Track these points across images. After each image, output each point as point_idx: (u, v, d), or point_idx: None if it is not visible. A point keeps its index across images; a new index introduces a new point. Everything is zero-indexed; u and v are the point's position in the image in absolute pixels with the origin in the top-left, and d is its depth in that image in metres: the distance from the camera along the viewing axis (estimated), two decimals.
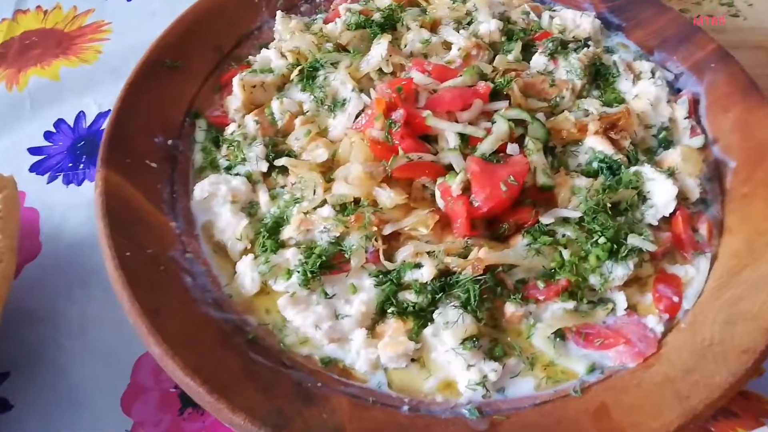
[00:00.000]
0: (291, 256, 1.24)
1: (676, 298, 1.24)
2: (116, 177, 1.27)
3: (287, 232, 1.27)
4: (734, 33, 1.89)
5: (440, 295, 1.19)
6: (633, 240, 1.23)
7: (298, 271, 1.20)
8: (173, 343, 1.06)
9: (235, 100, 1.49)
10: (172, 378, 1.07)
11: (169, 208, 1.31)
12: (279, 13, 1.64)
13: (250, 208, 1.35)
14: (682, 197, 1.34)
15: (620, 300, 1.23)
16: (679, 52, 1.60)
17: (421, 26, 1.60)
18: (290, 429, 1.00)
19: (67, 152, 1.63)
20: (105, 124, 1.36)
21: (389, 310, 1.18)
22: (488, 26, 1.60)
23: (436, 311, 1.18)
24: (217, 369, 1.06)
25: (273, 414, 1.01)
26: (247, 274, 1.23)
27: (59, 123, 1.69)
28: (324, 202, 1.29)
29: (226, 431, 1.17)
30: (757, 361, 1.09)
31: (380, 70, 1.48)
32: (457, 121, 1.35)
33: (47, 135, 1.66)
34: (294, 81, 1.51)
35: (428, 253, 1.22)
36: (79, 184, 1.56)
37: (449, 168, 1.30)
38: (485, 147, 1.31)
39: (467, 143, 1.32)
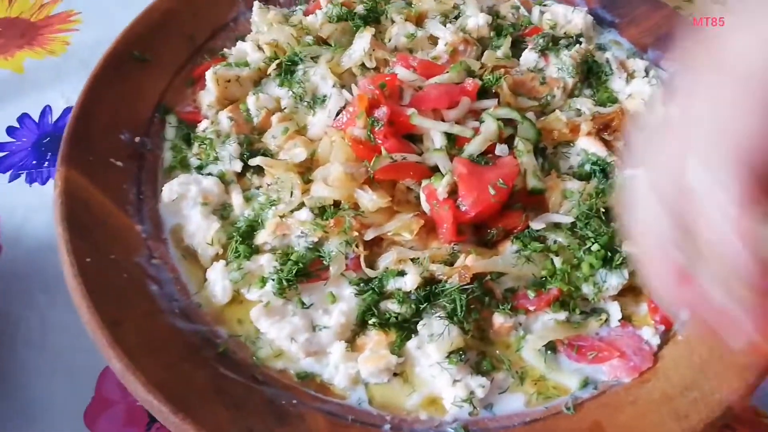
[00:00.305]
0: (265, 262, 1.18)
1: None
2: (78, 176, 1.20)
3: (262, 237, 1.21)
4: None
5: (425, 305, 1.14)
6: (628, 247, 1.18)
7: (273, 279, 1.14)
8: (135, 357, 0.99)
9: (208, 95, 1.43)
10: (133, 395, 1.01)
11: (135, 210, 1.24)
12: (256, 3, 1.58)
13: (222, 211, 1.29)
14: None
15: (614, 310, 1.18)
16: (674, 51, 1.56)
17: (407, 19, 1.55)
18: None
19: (31, 149, 1.55)
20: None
21: (370, 322, 1.13)
22: (476, 21, 1.56)
23: (420, 322, 1.12)
24: (183, 385, 1.00)
25: None
26: (219, 281, 1.17)
27: (23, 118, 1.61)
28: (302, 205, 1.24)
29: None
30: (758, 378, 1.04)
31: (363, 65, 1.43)
32: (443, 120, 1.30)
33: (10, 131, 1.59)
34: (271, 76, 1.45)
35: (412, 259, 1.17)
36: (44, 183, 1.49)
37: (435, 169, 1.25)
38: (473, 148, 1.26)
39: (454, 143, 1.28)
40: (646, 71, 1.53)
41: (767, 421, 1.19)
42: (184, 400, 0.97)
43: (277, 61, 1.45)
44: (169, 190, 1.27)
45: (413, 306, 1.13)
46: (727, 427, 1.16)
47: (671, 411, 1.02)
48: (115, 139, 1.31)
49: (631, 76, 1.52)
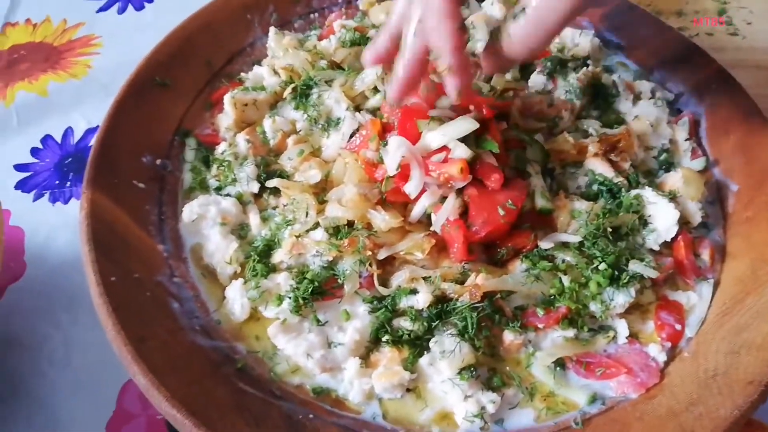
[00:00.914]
0: (282, 281, 1.20)
1: (678, 326, 1.21)
2: (102, 198, 1.23)
3: (278, 256, 1.24)
4: (733, 52, 1.87)
5: (436, 322, 1.16)
6: (634, 266, 1.20)
7: (290, 297, 1.17)
8: (159, 373, 1.02)
9: (226, 118, 1.47)
10: (157, 409, 1.04)
11: (157, 231, 1.28)
12: (272, 29, 1.62)
13: (240, 231, 1.32)
14: (683, 221, 1.31)
15: (621, 328, 1.20)
16: (679, 73, 1.59)
17: None
18: None
19: (54, 169, 1.60)
20: (92, 142, 1.33)
21: (384, 338, 1.15)
22: (485, 44, 1.57)
23: (432, 339, 1.15)
24: (204, 401, 1.03)
25: None
26: (237, 299, 1.20)
27: (46, 139, 1.66)
28: (317, 225, 1.26)
29: None
30: (762, 393, 1.06)
31: (375, 88, 1.45)
32: None
33: (34, 151, 1.64)
34: (287, 99, 1.48)
35: (424, 278, 1.19)
36: (66, 202, 1.53)
37: None
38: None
39: None
40: (652, 93, 1.56)
41: None
42: (206, 415, 1.00)
43: (292, 85, 1.48)
44: (189, 211, 1.30)
45: (425, 323, 1.15)
46: None
47: (677, 426, 1.04)
48: (138, 162, 1.35)
49: (637, 97, 1.54)
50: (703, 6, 2.01)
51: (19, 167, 1.60)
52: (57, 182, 1.57)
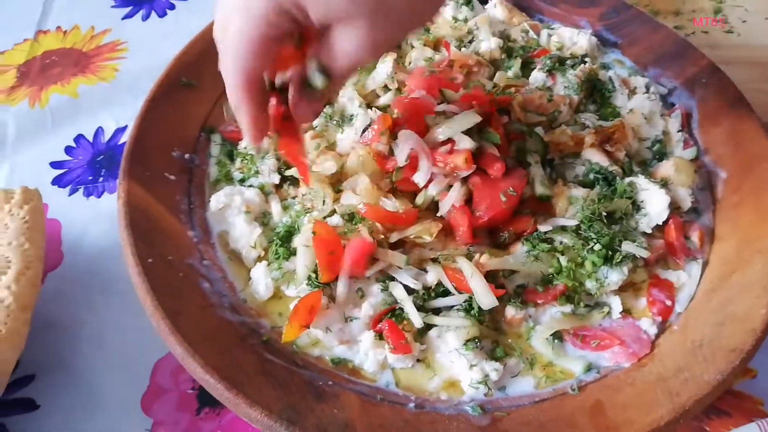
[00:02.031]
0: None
1: (669, 302, 1.29)
2: (137, 188, 1.33)
3: (298, 241, 1.31)
4: (729, 49, 1.94)
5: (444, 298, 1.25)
6: (627, 247, 1.28)
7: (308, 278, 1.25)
8: (193, 344, 1.12)
9: None
10: (192, 376, 1.13)
11: (187, 218, 1.37)
12: None
13: (263, 218, 1.40)
14: (675, 206, 1.39)
15: (615, 304, 1.28)
16: (673, 68, 1.66)
17: (425, 44, 1.66)
18: (303, 423, 1.05)
19: (87, 166, 1.69)
20: (125, 139, 1.41)
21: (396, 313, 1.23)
22: (489, 44, 1.66)
23: (440, 314, 1.23)
24: (234, 367, 1.12)
25: (288, 409, 1.07)
26: (261, 280, 1.29)
27: (79, 138, 1.75)
28: (333, 212, 1.34)
29: (242, 430, 1.23)
30: (743, 360, 1.14)
31: (386, 86, 1.54)
32: None
33: (68, 150, 1.73)
34: None
35: (432, 259, 1.28)
36: (99, 196, 1.62)
37: None
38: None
39: None
40: (647, 87, 1.63)
41: (762, 408, 1.27)
42: (236, 380, 1.09)
43: None
44: (216, 201, 1.39)
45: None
46: (724, 414, 1.26)
47: (665, 390, 1.12)
48: (168, 156, 1.44)
49: (632, 92, 1.62)
50: (700, 5, 2.07)
51: (54, 164, 1.69)
52: (90, 178, 1.66)
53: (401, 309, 1.23)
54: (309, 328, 1.20)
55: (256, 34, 0.95)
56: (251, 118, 1.05)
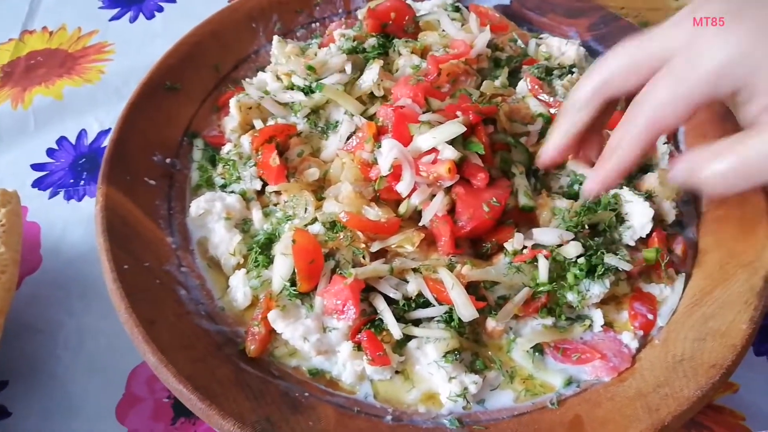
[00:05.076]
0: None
1: (650, 316, 1.28)
2: (116, 193, 1.32)
3: (277, 249, 1.30)
4: None
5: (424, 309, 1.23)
6: (609, 259, 1.27)
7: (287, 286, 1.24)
8: (168, 352, 1.10)
9: (231, 120, 1.54)
10: (165, 385, 1.12)
11: (166, 224, 1.36)
12: (275, 37, 1.69)
13: (243, 225, 1.39)
14: (659, 219, 1.38)
15: (597, 317, 1.27)
16: None
17: (412, 52, 1.64)
18: None
19: (68, 169, 1.68)
20: (106, 142, 1.40)
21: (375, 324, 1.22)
22: (476, 52, 1.64)
23: (420, 325, 1.22)
24: (208, 377, 1.10)
25: (262, 420, 1.06)
26: (240, 288, 1.28)
27: (61, 140, 1.74)
28: (315, 220, 1.33)
29: None
30: (723, 376, 1.13)
31: (372, 93, 1.53)
32: None
33: (50, 152, 1.71)
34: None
35: (413, 269, 1.27)
36: (80, 199, 1.61)
37: None
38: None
39: None
40: None
41: (743, 423, 1.27)
42: (210, 390, 1.08)
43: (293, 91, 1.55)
44: (196, 206, 1.38)
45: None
46: (705, 429, 1.25)
47: (644, 405, 1.11)
48: (149, 161, 1.43)
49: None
50: None
51: (35, 166, 1.68)
52: (71, 181, 1.65)
53: (380, 320, 1.22)
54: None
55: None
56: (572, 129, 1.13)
